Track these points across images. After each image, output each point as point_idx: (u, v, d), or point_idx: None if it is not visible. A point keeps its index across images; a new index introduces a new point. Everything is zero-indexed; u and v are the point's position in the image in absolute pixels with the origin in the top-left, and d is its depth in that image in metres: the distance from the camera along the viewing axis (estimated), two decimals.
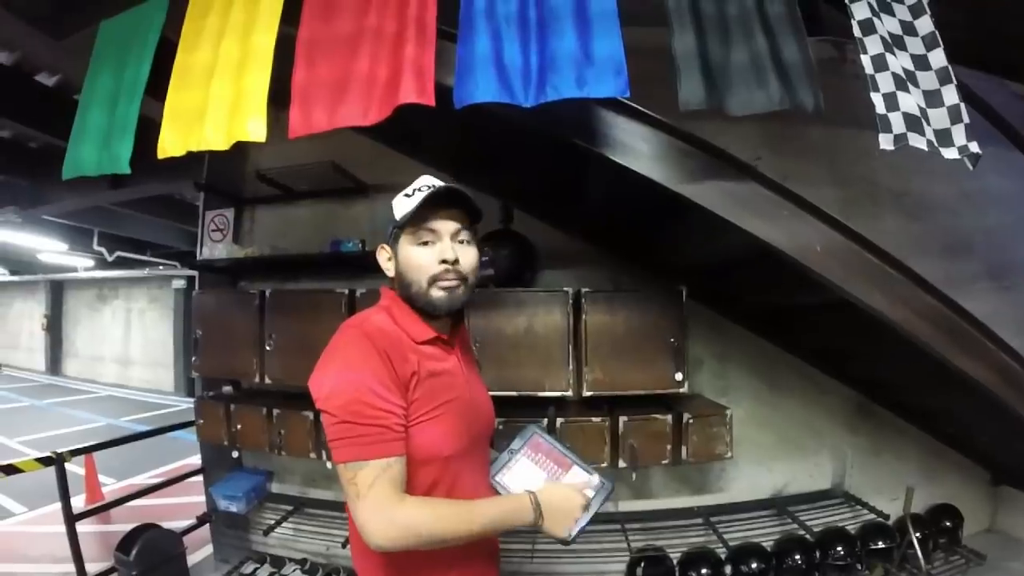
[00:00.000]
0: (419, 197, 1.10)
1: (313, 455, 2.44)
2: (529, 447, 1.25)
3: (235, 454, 2.78)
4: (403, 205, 1.12)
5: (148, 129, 1.83)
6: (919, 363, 1.91)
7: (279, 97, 1.67)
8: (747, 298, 2.32)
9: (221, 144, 1.73)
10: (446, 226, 1.11)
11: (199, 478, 3.03)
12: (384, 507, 0.94)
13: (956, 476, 2.84)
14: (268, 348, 2.53)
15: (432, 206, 1.09)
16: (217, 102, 1.76)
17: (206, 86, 1.78)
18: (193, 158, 1.75)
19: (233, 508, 2.71)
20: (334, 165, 2.49)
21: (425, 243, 1.10)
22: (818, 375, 2.64)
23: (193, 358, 2.73)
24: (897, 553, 2.38)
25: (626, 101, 1.46)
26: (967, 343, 1.92)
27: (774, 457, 2.65)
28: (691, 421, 2.09)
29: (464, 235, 1.13)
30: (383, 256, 1.17)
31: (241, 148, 1.67)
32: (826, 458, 2.70)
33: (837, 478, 2.70)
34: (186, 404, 8.83)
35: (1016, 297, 3.02)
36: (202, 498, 2.99)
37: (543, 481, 1.17)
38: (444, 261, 1.09)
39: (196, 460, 3.30)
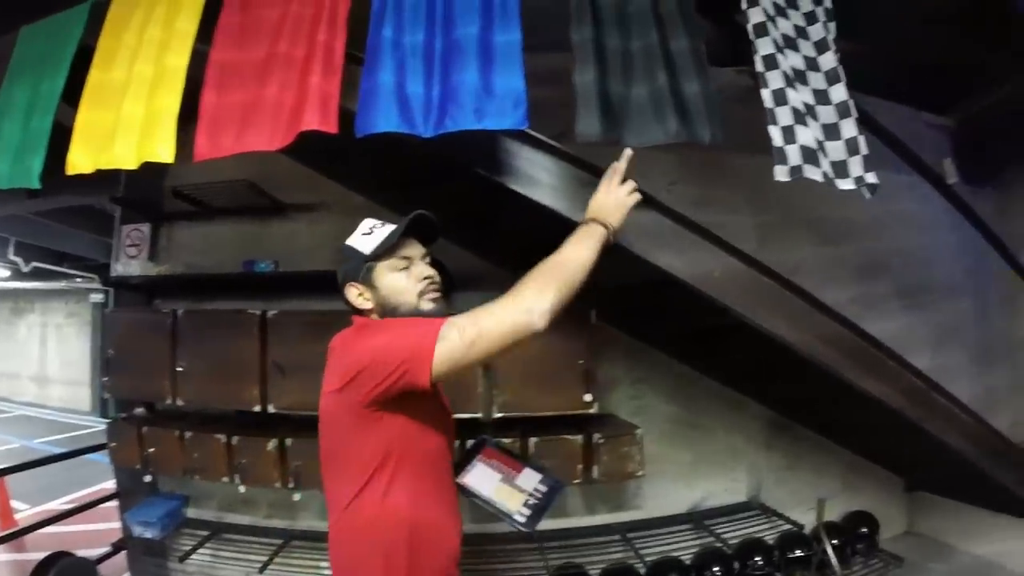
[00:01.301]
0: (385, 230, 1.28)
1: (226, 479, 2.42)
2: (483, 454, 1.48)
3: (147, 478, 2.73)
4: (369, 241, 1.27)
5: (66, 138, 1.82)
6: (827, 384, 2.03)
7: (193, 116, 1.69)
8: (659, 322, 2.42)
9: (130, 163, 1.75)
10: (416, 251, 1.31)
11: (116, 503, 2.95)
12: (511, 304, 1.13)
13: (872, 484, 3.02)
14: (180, 369, 2.50)
15: (404, 235, 1.27)
16: (128, 121, 1.78)
17: (118, 105, 1.80)
18: (112, 170, 1.76)
19: (148, 534, 2.66)
20: (250, 184, 2.48)
21: (401, 269, 1.27)
22: (733, 395, 2.77)
23: (105, 378, 2.69)
24: (814, 560, 2.51)
25: (529, 131, 1.52)
26: (871, 365, 2.06)
27: (691, 474, 2.76)
28: (601, 441, 2.17)
29: (427, 257, 1.33)
30: (353, 293, 1.29)
31: (160, 163, 1.70)
32: (742, 473, 2.83)
33: (753, 492, 2.83)
34: (104, 425, 8.43)
35: (929, 315, 3.27)
36: (119, 524, 2.90)
37: (497, 481, 1.39)
38: (426, 278, 1.28)
39: (111, 484, 3.19)
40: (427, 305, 1.26)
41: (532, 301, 1.10)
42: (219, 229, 2.86)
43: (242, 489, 2.45)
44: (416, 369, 1.07)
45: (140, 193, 2.99)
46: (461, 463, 1.47)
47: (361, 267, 1.27)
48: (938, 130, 3.47)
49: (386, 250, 1.26)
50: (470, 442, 1.58)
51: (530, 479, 1.37)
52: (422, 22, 1.59)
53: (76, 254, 8.21)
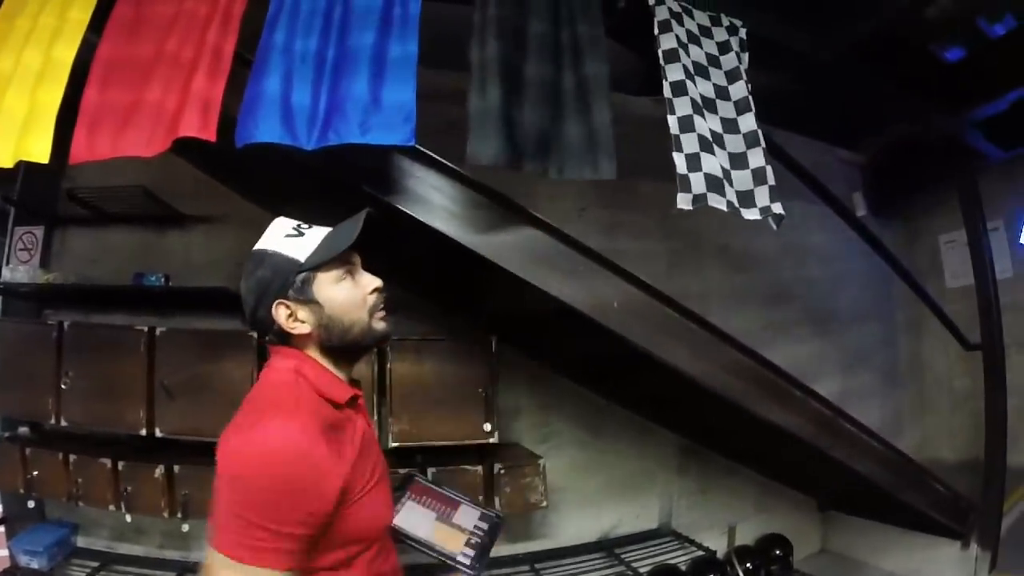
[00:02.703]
0: (320, 231, 1.01)
1: (113, 506, 2.24)
2: (412, 491, 1.33)
3: (31, 503, 2.52)
4: (302, 245, 0.99)
5: None
6: (735, 412, 2.02)
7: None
8: (564, 349, 2.39)
9: (5, 162, 1.60)
10: (356, 257, 1.04)
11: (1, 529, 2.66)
12: None
13: (785, 506, 3.07)
14: (65, 387, 2.30)
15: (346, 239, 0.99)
16: (9, 115, 1.63)
17: (2, 97, 1.65)
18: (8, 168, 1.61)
19: (35, 564, 2.43)
20: (145, 191, 2.32)
21: (346, 277, 1.01)
22: (643, 422, 2.75)
23: None
24: None
25: (422, 149, 1.45)
26: (777, 394, 2.08)
27: (600, 501, 2.73)
28: (503, 471, 2.11)
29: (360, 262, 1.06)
30: (283, 313, 0.98)
31: (59, 162, 1.57)
32: (653, 500, 2.82)
33: (664, 518, 2.82)
34: None
35: (836, 339, 3.39)
36: (4, 552, 2.61)
37: (433, 520, 1.21)
38: (375, 290, 1.03)
39: None
40: (379, 325, 1.03)
41: None
42: (114, 237, 2.68)
43: (128, 518, 2.28)
44: None
45: (35, 194, 2.76)
46: None
47: (293, 279, 0.97)
48: (849, 165, 3.64)
49: (334, 257, 0.98)
50: (398, 485, 1.37)
51: (468, 516, 1.20)
52: (317, 28, 1.51)
53: None
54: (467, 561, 1.12)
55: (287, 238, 1.00)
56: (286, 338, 1.00)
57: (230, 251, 2.45)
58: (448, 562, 1.15)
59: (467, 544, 1.19)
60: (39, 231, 2.83)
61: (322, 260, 0.97)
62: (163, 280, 2.38)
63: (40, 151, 1.58)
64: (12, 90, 1.65)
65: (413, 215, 1.46)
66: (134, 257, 2.60)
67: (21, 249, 2.86)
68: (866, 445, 2.32)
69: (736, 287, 2.93)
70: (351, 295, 1.00)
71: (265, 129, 1.37)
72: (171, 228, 2.62)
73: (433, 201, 1.49)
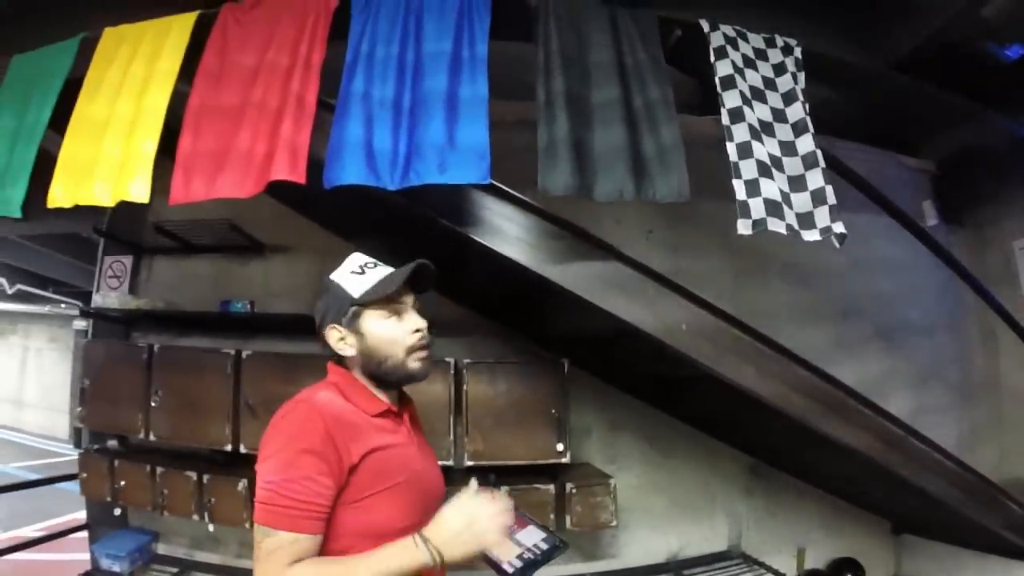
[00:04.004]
0: (379, 272, 1.18)
1: (196, 516, 2.40)
2: None
3: (117, 511, 2.72)
4: (360, 282, 1.17)
5: (43, 161, 1.88)
6: (802, 431, 2.04)
7: (170, 154, 1.75)
8: (634, 369, 2.44)
9: (107, 201, 1.80)
10: (409, 298, 1.19)
11: (85, 534, 2.91)
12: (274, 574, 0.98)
13: (857, 528, 3.00)
14: (154, 404, 2.50)
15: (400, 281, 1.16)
16: (108, 158, 1.82)
17: (99, 141, 1.85)
18: None
19: (116, 568, 2.62)
20: (231, 225, 2.52)
21: (391, 316, 1.16)
22: (710, 440, 2.77)
23: (79, 408, 2.68)
24: None
25: (495, 183, 1.56)
26: (845, 413, 2.08)
27: (668, 522, 2.75)
28: (574, 491, 2.17)
29: (417, 305, 1.22)
30: (334, 336, 1.17)
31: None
32: (721, 521, 2.82)
33: (733, 540, 2.81)
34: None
35: (908, 354, 3.30)
36: (87, 555, 2.83)
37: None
38: (418, 330, 1.17)
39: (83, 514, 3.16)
40: (414, 364, 1.17)
41: None
42: (198, 265, 2.90)
43: (211, 528, 2.44)
44: None
45: (123, 225, 3.02)
46: None
47: (347, 309, 1.15)
48: (918, 172, 3.54)
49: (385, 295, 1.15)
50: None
51: (532, 536, 1.20)
52: (392, 74, 1.65)
53: (61, 279, 8.21)
54: (511, 569, 1.10)
55: (351, 273, 1.19)
56: (339, 357, 1.18)
57: (307, 278, 2.63)
58: (493, 567, 1.14)
59: (518, 556, 1.20)
60: (128, 260, 3.10)
61: (370, 299, 1.15)
62: (248, 307, 2.58)
63: (141, 193, 1.77)
64: (109, 136, 1.85)
65: (488, 245, 1.56)
66: (216, 284, 2.81)
67: (111, 276, 3.13)
68: (937, 463, 2.27)
69: (803, 303, 2.91)
70: (391, 333, 1.15)
71: (351, 172, 1.51)
72: (252, 257, 2.83)
73: (507, 231, 1.60)
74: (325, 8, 1.83)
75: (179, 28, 1.96)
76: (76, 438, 9.34)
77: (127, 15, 2.08)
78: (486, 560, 1.12)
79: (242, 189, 1.63)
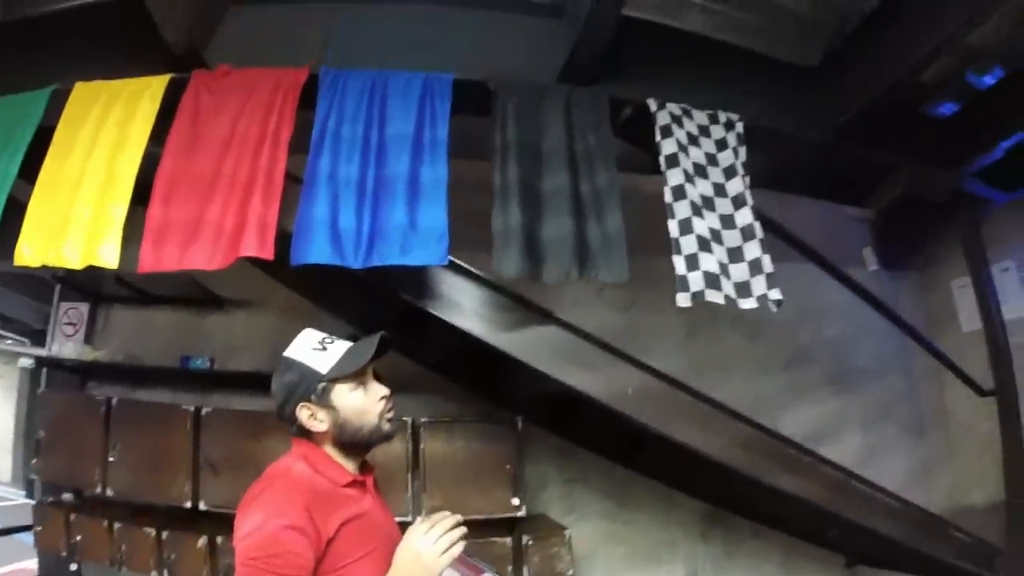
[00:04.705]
0: (340, 347, 1.23)
1: (155, 573, 2.40)
2: None
3: (73, 567, 2.69)
4: (324, 359, 1.22)
5: (10, 208, 1.88)
6: (748, 482, 2.19)
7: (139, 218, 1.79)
8: (587, 425, 2.58)
9: (76, 264, 1.83)
10: (370, 369, 1.26)
11: None
12: None
13: (812, 564, 3.16)
14: (112, 459, 2.52)
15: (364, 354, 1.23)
16: (78, 219, 1.84)
17: (70, 200, 1.86)
18: None
19: None
20: (192, 279, 2.57)
21: (359, 387, 1.22)
22: (666, 489, 2.90)
23: (34, 460, 2.70)
24: None
25: (453, 259, 1.68)
26: (786, 462, 2.25)
27: (627, 569, 2.86)
28: (530, 543, 2.27)
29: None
30: (305, 414, 1.20)
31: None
32: (679, 566, 2.94)
33: None
34: (23, 500, 7.98)
35: (858, 395, 3.51)
36: None
37: None
38: (383, 397, 1.24)
39: (30, 564, 3.13)
40: (387, 426, 1.26)
41: None
42: (156, 316, 2.93)
43: None
44: None
45: (81, 272, 3.01)
46: None
47: (315, 386, 1.20)
48: (858, 221, 3.80)
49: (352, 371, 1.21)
50: None
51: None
52: (357, 155, 1.77)
53: (6, 315, 7.97)
54: None
55: (313, 351, 1.23)
56: (306, 432, 1.22)
57: (268, 334, 2.68)
58: None
59: None
60: (84, 307, 3.10)
61: (340, 374, 1.20)
62: (208, 363, 2.63)
63: (110, 258, 1.81)
64: (80, 196, 1.86)
65: (446, 319, 1.68)
66: (175, 337, 2.85)
67: (67, 323, 3.13)
68: (881, 503, 2.45)
69: (754, 353, 3.09)
70: (363, 402, 1.22)
71: (317, 251, 1.62)
72: (212, 310, 2.88)
73: (463, 305, 1.73)
74: (294, 82, 1.92)
75: (152, 92, 1.99)
76: (28, 489, 8.88)
77: (97, 68, 2.12)
78: None
79: (211, 262, 1.72)
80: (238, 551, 1.10)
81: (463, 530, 1.16)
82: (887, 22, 2.37)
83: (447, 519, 1.14)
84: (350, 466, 1.26)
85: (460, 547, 1.15)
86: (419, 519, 1.16)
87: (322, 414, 1.20)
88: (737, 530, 3.03)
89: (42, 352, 3.04)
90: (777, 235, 2.48)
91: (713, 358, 2.88)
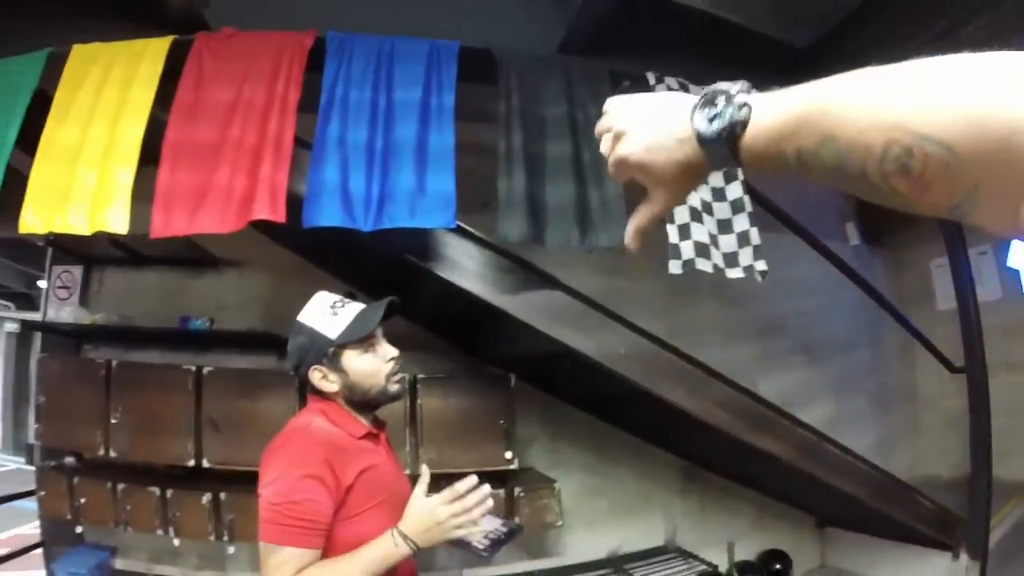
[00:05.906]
0: (351, 311, 1.30)
1: (160, 531, 2.50)
2: None
3: (79, 529, 2.75)
4: (335, 324, 1.29)
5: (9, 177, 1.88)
6: (728, 440, 2.35)
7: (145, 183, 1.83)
8: (575, 384, 2.73)
9: (84, 231, 1.85)
10: (379, 330, 1.34)
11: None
12: None
13: (784, 523, 3.38)
14: (114, 421, 2.58)
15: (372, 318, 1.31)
16: (82, 185, 1.86)
17: (72, 166, 1.87)
18: None
19: None
20: (187, 239, 2.60)
21: (368, 351, 1.30)
22: (647, 447, 3.08)
23: (36, 426, 2.73)
24: None
25: (458, 223, 1.79)
26: (765, 424, 2.41)
27: (608, 521, 3.04)
28: (522, 494, 2.44)
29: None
30: (317, 376, 1.29)
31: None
32: (658, 519, 3.14)
33: (669, 536, 3.14)
34: (15, 464, 7.98)
35: (829, 367, 3.71)
36: (42, 572, 2.89)
37: None
38: (392, 359, 1.33)
39: (32, 529, 3.17)
40: (394, 387, 1.33)
41: None
42: (150, 277, 2.96)
43: (176, 542, 2.54)
44: None
45: (73, 235, 3.04)
46: None
47: (326, 350, 1.28)
48: (841, 196, 3.95)
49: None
50: None
51: (492, 523, 1.44)
52: (366, 119, 1.83)
53: None
54: (481, 547, 1.32)
55: (324, 315, 1.31)
56: (319, 391, 1.31)
57: (262, 293, 2.76)
58: (464, 547, 1.33)
59: (486, 537, 1.35)
60: (77, 270, 3.12)
61: (349, 339, 1.28)
62: (208, 323, 2.69)
63: (119, 224, 1.83)
64: (83, 161, 1.88)
65: (449, 279, 1.80)
66: (169, 297, 2.88)
67: (60, 287, 3.15)
68: (850, 466, 2.63)
69: (731, 321, 3.25)
70: (372, 365, 1.31)
71: (329, 214, 1.71)
72: (206, 270, 2.90)
73: (465, 266, 1.83)
74: (300, 47, 1.96)
75: (153, 53, 1.98)
76: (28, 454, 8.82)
77: (94, 30, 2.10)
78: (456, 543, 1.31)
79: (223, 225, 1.78)
80: (261, 499, 1.20)
81: (489, 504, 1.28)
82: (880, 11, 2.48)
83: (472, 495, 1.25)
84: (365, 420, 1.36)
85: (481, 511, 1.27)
86: (426, 475, 1.28)
87: (333, 376, 1.29)
88: (713, 487, 3.23)
89: (36, 316, 3.05)
90: (766, 208, 2.63)
91: (692, 324, 3.03)
